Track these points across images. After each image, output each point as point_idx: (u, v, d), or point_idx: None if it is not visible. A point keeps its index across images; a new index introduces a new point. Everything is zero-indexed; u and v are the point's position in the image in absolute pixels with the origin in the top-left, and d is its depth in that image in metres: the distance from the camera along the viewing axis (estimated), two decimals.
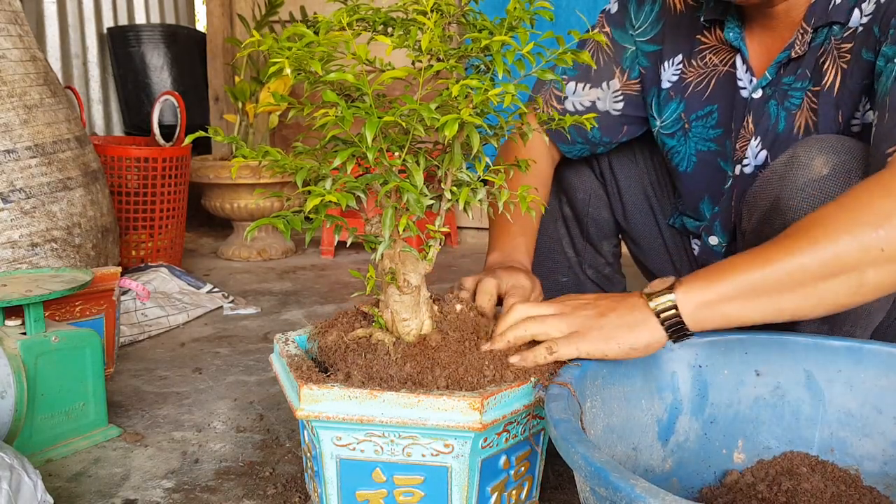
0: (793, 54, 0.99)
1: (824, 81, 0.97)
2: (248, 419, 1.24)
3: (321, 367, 0.86)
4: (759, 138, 1.04)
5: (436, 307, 0.90)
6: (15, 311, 1.12)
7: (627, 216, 1.29)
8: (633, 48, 1.16)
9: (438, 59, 0.77)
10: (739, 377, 0.88)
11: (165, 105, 2.53)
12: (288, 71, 0.72)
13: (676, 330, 0.77)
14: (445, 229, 0.85)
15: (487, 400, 0.74)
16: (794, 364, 0.87)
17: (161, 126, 2.45)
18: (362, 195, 0.78)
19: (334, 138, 0.79)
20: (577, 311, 0.82)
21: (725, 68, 1.08)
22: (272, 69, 0.72)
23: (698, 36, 1.10)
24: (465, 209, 0.80)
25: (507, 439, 0.80)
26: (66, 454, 1.11)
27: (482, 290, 0.95)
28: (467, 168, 0.83)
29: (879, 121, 0.85)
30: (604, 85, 1.18)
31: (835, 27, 0.95)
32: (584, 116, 0.86)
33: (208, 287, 2.03)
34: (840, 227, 0.73)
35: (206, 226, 3.14)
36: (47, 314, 1.20)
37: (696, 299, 0.76)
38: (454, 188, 0.81)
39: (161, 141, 2.41)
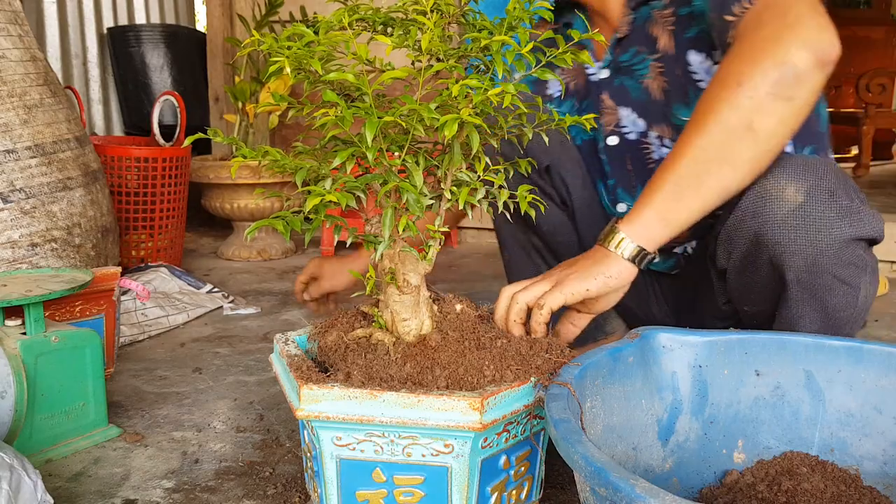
0: (619, 35, 1.12)
1: (660, 46, 1.09)
2: (248, 419, 1.24)
3: (321, 367, 0.86)
4: (629, 108, 1.15)
5: (436, 307, 0.90)
6: (15, 311, 1.12)
7: (585, 239, 1.32)
8: None
9: (438, 59, 0.77)
10: (739, 377, 0.88)
11: (165, 105, 2.54)
12: (288, 71, 0.72)
13: (637, 254, 0.88)
14: (445, 229, 0.85)
15: (487, 400, 0.74)
16: (794, 364, 0.87)
17: (161, 126, 2.45)
18: (362, 195, 0.78)
19: (334, 138, 0.79)
20: (552, 271, 0.92)
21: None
22: (272, 69, 0.72)
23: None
24: (464, 209, 0.80)
25: (507, 439, 0.80)
26: (66, 454, 1.11)
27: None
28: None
29: (714, 27, 0.98)
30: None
31: (654, 3, 1.08)
32: (584, 117, 0.86)
33: (208, 287, 2.03)
34: (712, 101, 0.86)
35: (206, 226, 3.14)
36: (47, 314, 1.20)
37: (639, 223, 0.88)
38: (454, 188, 0.81)
39: (161, 141, 2.41)
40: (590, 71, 1.18)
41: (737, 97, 0.84)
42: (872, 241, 0.94)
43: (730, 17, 0.93)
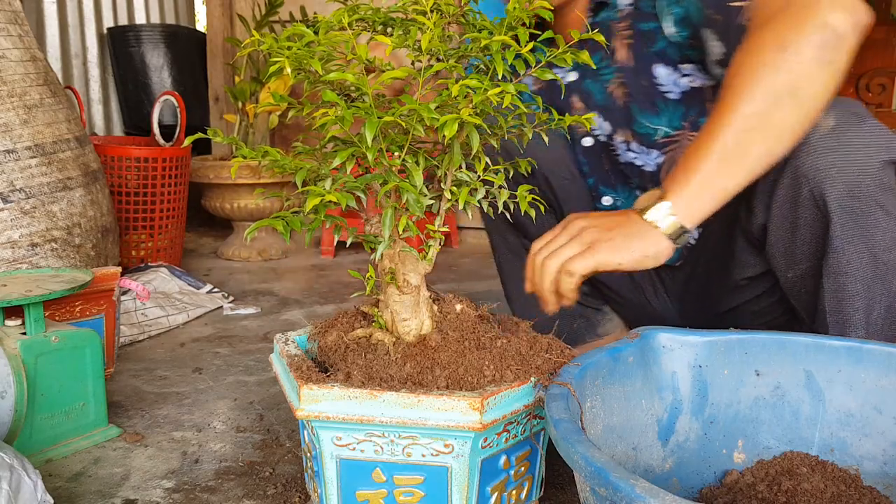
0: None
1: (617, 58, 1.10)
2: (248, 419, 1.24)
3: (321, 367, 0.86)
4: (595, 111, 1.15)
5: (436, 307, 0.90)
6: (15, 311, 1.12)
7: (561, 195, 1.32)
8: None
9: (438, 59, 0.77)
10: (739, 377, 0.88)
11: (165, 105, 2.53)
12: (288, 70, 0.72)
13: (678, 232, 0.83)
14: (445, 229, 0.85)
15: (487, 400, 0.74)
16: (794, 364, 0.87)
17: (161, 126, 2.45)
18: (362, 195, 0.78)
19: (334, 138, 0.79)
20: (585, 231, 0.86)
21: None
22: (272, 69, 0.72)
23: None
24: (464, 209, 0.80)
25: (507, 439, 0.80)
26: (66, 454, 1.11)
27: None
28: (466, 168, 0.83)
29: (713, 23, 0.96)
30: None
31: (609, 11, 1.08)
32: (584, 116, 0.86)
33: (208, 287, 2.03)
34: (752, 67, 0.83)
35: (206, 226, 3.14)
36: (47, 314, 1.20)
37: (685, 194, 0.83)
38: (454, 188, 0.81)
39: (161, 141, 2.41)
40: (560, 73, 1.18)
41: (782, 61, 0.82)
42: None
43: (737, 2, 0.91)
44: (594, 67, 1.05)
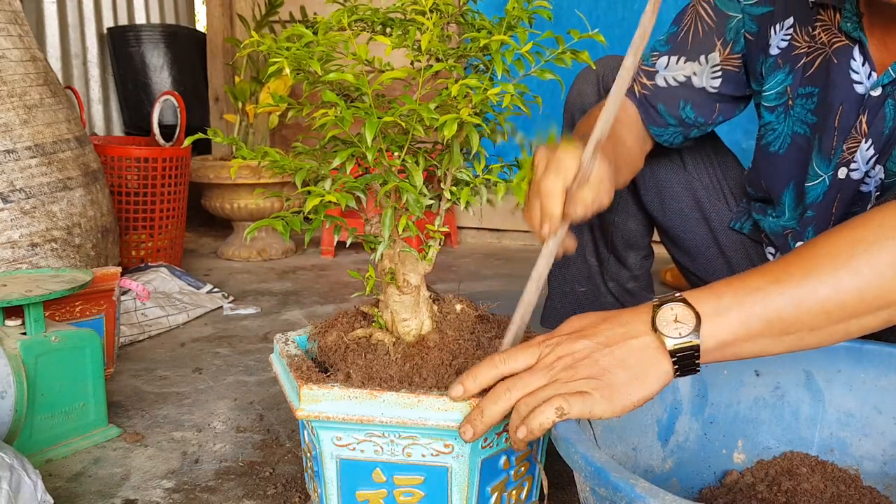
0: None
1: None
2: (248, 419, 1.24)
3: (321, 367, 0.86)
4: (870, 141, 0.95)
5: (436, 307, 0.90)
6: (15, 311, 1.12)
7: (675, 226, 1.19)
8: (740, 16, 1.04)
9: (437, 59, 0.77)
10: (739, 377, 0.88)
11: (165, 105, 2.53)
12: (287, 71, 0.72)
13: (687, 368, 0.66)
14: (445, 229, 0.85)
15: None
16: (793, 364, 0.87)
17: (161, 126, 2.45)
18: (362, 195, 0.78)
19: (334, 138, 0.79)
20: (580, 365, 0.66)
21: (831, 50, 0.96)
22: (272, 69, 0.72)
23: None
24: (465, 208, 0.80)
25: (507, 439, 0.80)
26: (66, 454, 1.11)
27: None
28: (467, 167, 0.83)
29: None
30: (702, 59, 1.07)
31: None
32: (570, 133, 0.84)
33: (208, 287, 2.03)
34: (886, 254, 0.64)
35: (206, 226, 3.14)
36: (47, 314, 1.20)
37: (721, 338, 0.65)
38: (454, 188, 0.81)
39: (161, 141, 2.41)
40: (856, 76, 0.95)
41: None
42: None
43: None
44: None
